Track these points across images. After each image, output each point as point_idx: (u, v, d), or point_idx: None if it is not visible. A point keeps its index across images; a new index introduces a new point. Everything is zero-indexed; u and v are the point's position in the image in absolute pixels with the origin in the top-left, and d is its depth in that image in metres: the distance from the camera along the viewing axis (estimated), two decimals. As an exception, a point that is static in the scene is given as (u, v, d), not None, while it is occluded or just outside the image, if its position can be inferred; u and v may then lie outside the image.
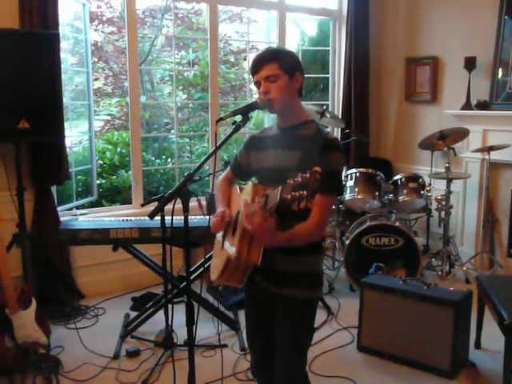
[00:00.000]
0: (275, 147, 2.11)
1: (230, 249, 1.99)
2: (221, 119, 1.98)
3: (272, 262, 2.00)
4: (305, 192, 1.56)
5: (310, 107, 4.88)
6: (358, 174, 4.71)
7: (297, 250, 2.00)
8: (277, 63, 2.01)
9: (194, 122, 7.78)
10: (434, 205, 4.88)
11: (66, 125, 4.13)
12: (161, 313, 3.54)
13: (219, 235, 2.23)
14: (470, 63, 4.91)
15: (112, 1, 7.47)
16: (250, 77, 2.12)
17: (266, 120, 6.81)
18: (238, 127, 1.99)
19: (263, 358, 2.28)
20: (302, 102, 2.16)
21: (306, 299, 2.11)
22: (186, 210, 2.00)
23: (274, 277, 2.07)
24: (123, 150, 6.82)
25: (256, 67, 2.04)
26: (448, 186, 4.76)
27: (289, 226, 1.91)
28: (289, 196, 1.60)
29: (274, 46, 2.60)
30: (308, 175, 1.57)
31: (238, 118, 2.01)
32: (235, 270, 2.03)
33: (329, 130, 5.92)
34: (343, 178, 4.81)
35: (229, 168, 2.39)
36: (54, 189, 4.23)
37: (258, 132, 2.31)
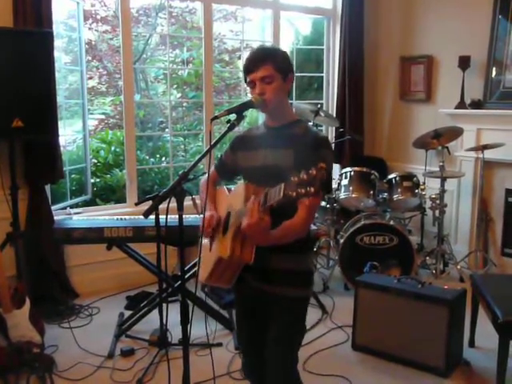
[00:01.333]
0: (264, 146, 2.11)
1: (222, 249, 1.98)
2: (215, 118, 1.98)
3: (263, 260, 1.99)
4: (312, 189, 1.54)
5: (304, 106, 4.89)
6: (352, 173, 4.70)
7: (288, 249, 1.99)
8: (272, 64, 2.01)
9: (188, 121, 7.78)
10: (429, 203, 4.89)
11: (60, 123, 4.12)
12: (155, 312, 3.54)
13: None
14: (464, 62, 4.92)
15: (106, -1, 7.46)
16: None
17: (261, 119, 6.81)
18: (232, 126, 1.98)
19: (255, 358, 2.28)
20: (296, 101, 2.17)
21: (298, 297, 2.12)
22: (180, 208, 1.99)
23: (266, 275, 2.07)
24: (117, 149, 6.81)
25: (250, 67, 2.04)
26: (442, 184, 4.77)
27: (276, 223, 1.90)
28: (294, 193, 1.58)
29: (268, 44, 2.57)
30: (314, 172, 1.55)
31: (233, 116, 2.01)
32: (225, 270, 2.03)
33: (323, 128, 5.93)
34: (338, 176, 4.82)
35: (213, 169, 2.36)
36: (47, 188, 4.22)
37: (243, 132, 2.31)
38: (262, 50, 2.10)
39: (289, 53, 2.15)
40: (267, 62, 2.01)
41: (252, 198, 1.84)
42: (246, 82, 2.10)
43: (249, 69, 2.05)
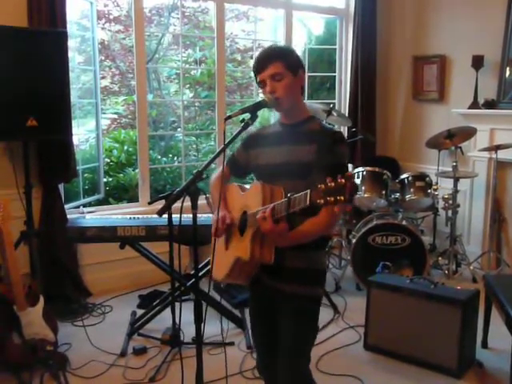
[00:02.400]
0: (280, 144, 2.11)
1: (241, 250, 1.99)
2: (229, 117, 1.98)
3: (278, 258, 1.98)
4: (342, 198, 1.51)
5: (316, 106, 4.88)
6: (364, 173, 4.69)
7: (302, 247, 1.99)
8: (281, 62, 2.01)
9: (200, 121, 7.80)
10: (441, 204, 4.87)
11: (74, 123, 4.14)
12: (167, 310, 3.56)
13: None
14: (478, 62, 4.89)
15: (119, -1, 7.50)
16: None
17: (273, 118, 6.81)
18: (246, 125, 1.99)
19: (268, 355, 2.28)
20: (309, 101, 2.17)
21: (310, 296, 2.12)
22: (194, 207, 2.00)
23: (280, 274, 2.07)
24: (130, 149, 6.84)
25: (259, 67, 2.04)
26: (455, 184, 4.75)
27: (297, 222, 1.91)
28: (321, 200, 1.55)
29: (279, 44, 2.51)
30: (343, 180, 1.52)
31: (246, 116, 2.01)
32: (243, 269, 2.04)
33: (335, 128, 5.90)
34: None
35: (225, 165, 2.32)
36: (61, 186, 4.24)
37: (256, 130, 2.29)
38: (269, 48, 2.10)
39: (301, 53, 2.16)
40: (276, 60, 2.01)
41: (266, 200, 1.84)
42: (256, 82, 2.11)
43: (258, 68, 2.05)
